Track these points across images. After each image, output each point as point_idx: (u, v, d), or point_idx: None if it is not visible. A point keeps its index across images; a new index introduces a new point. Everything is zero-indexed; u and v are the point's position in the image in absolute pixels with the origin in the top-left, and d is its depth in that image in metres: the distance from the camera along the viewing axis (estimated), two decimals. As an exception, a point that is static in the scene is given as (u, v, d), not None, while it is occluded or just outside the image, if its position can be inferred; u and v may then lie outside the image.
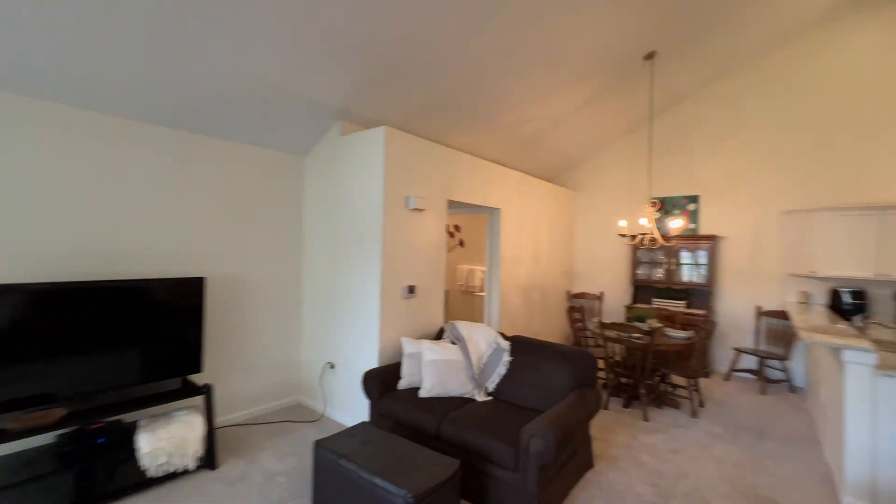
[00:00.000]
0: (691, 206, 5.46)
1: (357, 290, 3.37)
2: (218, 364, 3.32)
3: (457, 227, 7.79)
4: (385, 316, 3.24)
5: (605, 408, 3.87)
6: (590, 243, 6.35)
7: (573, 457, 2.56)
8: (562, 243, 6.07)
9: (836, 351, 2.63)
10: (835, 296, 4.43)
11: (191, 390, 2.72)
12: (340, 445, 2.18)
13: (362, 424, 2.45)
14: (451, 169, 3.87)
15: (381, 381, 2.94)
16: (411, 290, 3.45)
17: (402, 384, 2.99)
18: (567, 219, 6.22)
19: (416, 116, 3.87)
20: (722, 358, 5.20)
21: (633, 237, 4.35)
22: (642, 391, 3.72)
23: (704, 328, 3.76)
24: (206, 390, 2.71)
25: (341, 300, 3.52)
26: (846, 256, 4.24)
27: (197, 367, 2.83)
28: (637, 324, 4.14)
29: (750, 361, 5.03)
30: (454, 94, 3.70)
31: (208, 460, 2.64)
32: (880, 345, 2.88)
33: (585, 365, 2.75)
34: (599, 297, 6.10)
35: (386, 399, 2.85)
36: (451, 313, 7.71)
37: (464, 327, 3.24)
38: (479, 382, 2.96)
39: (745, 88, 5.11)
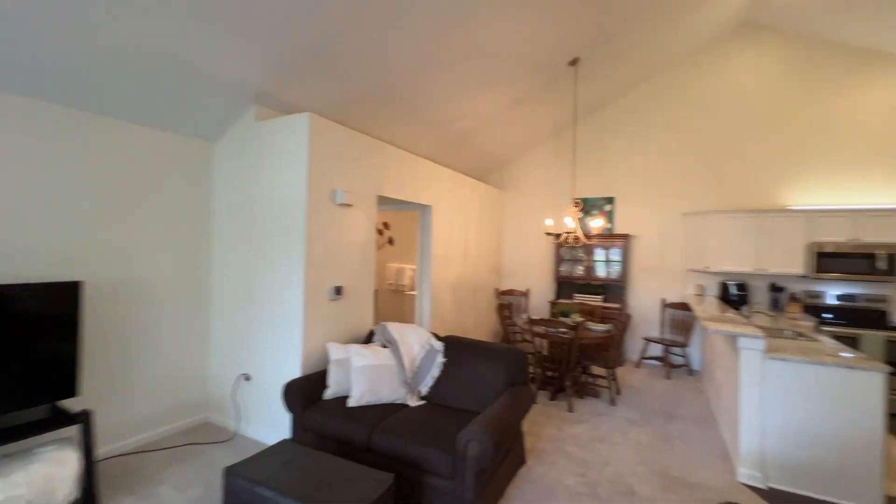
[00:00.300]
0: (608, 207, 5.86)
1: (277, 293, 3.06)
2: (102, 384, 2.80)
3: (386, 225, 7.57)
4: (309, 320, 2.98)
5: (534, 401, 3.98)
6: (517, 241, 6.54)
7: (507, 455, 2.55)
8: (491, 241, 6.16)
9: (732, 338, 2.94)
10: (724, 288, 5.02)
11: (61, 419, 2.24)
12: (256, 469, 1.92)
13: (283, 443, 2.19)
14: (381, 163, 3.69)
15: (305, 392, 2.68)
16: (338, 291, 3.21)
17: (329, 394, 2.76)
18: (496, 217, 6.33)
19: (344, 106, 3.62)
20: (633, 347, 5.65)
21: (559, 236, 4.53)
22: (567, 383, 3.87)
23: (621, 321, 4.03)
24: (82, 417, 2.24)
25: (259, 304, 3.16)
26: (732, 253, 4.82)
27: (71, 391, 2.33)
28: (563, 319, 4.31)
29: (657, 349, 5.53)
30: (383, 85, 3.52)
31: (87, 502, 2.19)
32: (764, 331, 3.29)
33: (518, 363, 2.76)
34: (526, 294, 6.30)
35: (311, 411, 2.60)
36: (381, 314, 7.49)
37: (395, 329, 3.10)
38: (412, 387, 2.83)
39: (650, 101, 5.59)
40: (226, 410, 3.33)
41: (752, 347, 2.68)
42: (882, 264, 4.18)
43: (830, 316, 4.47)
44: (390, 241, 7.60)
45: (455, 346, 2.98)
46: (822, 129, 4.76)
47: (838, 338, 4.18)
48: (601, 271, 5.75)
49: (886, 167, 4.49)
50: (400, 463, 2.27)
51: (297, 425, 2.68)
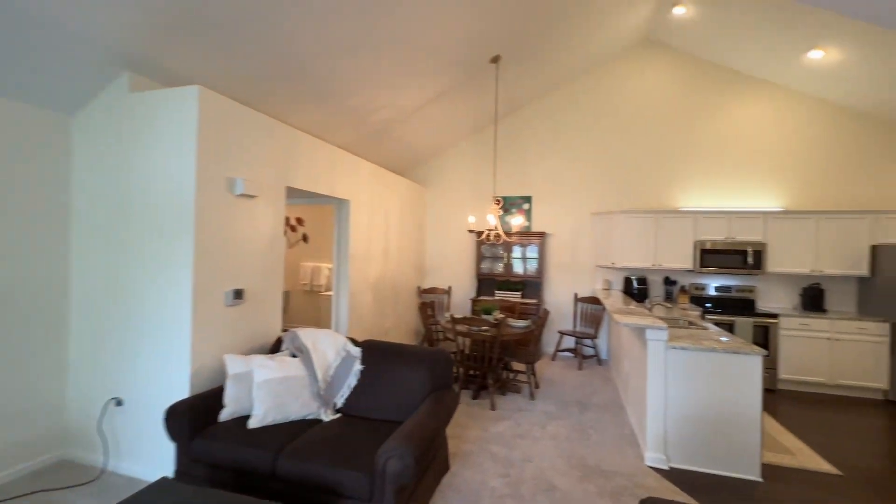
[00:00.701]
0: (526, 206, 6.03)
1: (158, 299, 2.56)
2: None
3: (299, 220, 7.02)
4: (200, 330, 2.54)
5: (457, 403, 3.90)
6: (439, 239, 6.46)
7: (431, 464, 2.41)
8: (413, 239, 6.00)
9: (640, 330, 3.12)
10: (627, 282, 5.44)
11: None
12: (121, 523, 1.53)
13: (161, 482, 1.80)
14: (292, 151, 3.32)
15: (194, 415, 2.27)
16: (238, 294, 2.80)
17: (226, 414, 2.37)
18: (418, 214, 6.18)
19: (247, 86, 3.18)
20: (549, 341, 5.90)
21: (481, 233, 4.52)
22: (490, 381, 3.86)
23: (540, 317, 4.12)
24: None
25: (134, 313, 2.63)
26: (634, 250, 5.23)
27: None
28: (484, 317, 4.30)
29: (570, 342, 5.84)
30: (292, 65, 3.16)
31: None
32: (664, 321, 3.60)
33: (442, 365, 2.64)
34: (448, 292, 6.25)
35: (201, 438, 2.20)
36: (292, 317, 6.93)
37: (308, 335, 2.78)
38: (326, 399, 2.56)
39: (565, 105, 5.86)
40: (90, 444, 2.73)
41: (657, 339, 2.86)
42: (751, 259, 4.83)
43: (710, 305, 5.07)
44: (304, 238, 7.07)
45: (374, 352, 2.77)
46: (705, 140, 5.37)
47: (718, 324, 4.75)
48: (519, 268, 5.90)
49: (755, 175, 5.21)
50: (312, 489, 2.01)
51: (183, 457, 2.26)
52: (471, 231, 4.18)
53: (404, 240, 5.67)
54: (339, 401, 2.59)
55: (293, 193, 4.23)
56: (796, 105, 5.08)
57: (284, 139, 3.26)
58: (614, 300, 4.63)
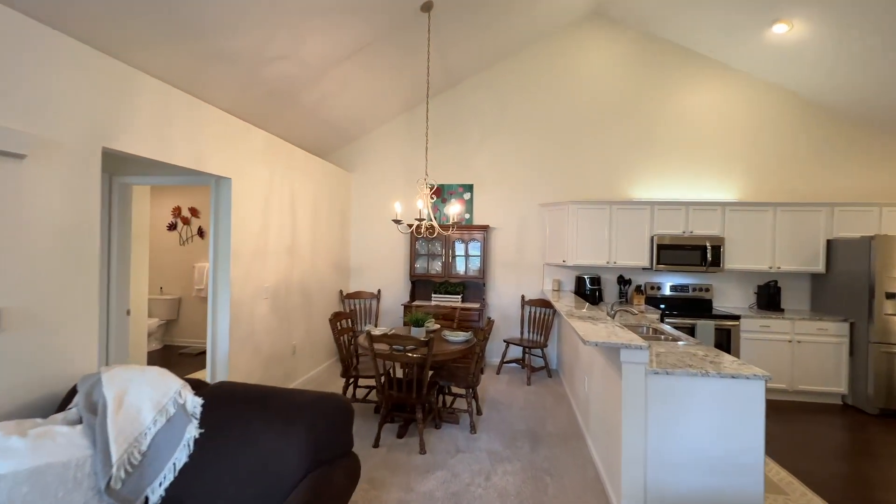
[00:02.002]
0: (467, 196, 5.23)
1: None
2: None
3: (193, 211, 5.70)
4: None
5: (377, 445, 2.98)
6: (367, 233, 5.48)
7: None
8: (334, 233, 4.96)
9: (613, 350, 2.39)
10: (579, 282, 4.83)
11: None
12: None
13: None
14: (119, 96, 2.19)
15: None
16: (-18, 319, 1.67)
17: None
18: (340, 203, 5.15)
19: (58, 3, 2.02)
20: (493, 350, 5.15)
21: (410, 225, 3.63)
22: (419, 416, 2.98)
23: (484, 329, 3.31)
24: None
25: None
26: (587, 246, 4.62)
27: None
28: (413, 330, 3.42)
29: (517, 351, 5.13)
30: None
31: None
32: (638, 335, 2.93)
33: (331, 422, 1.70)
34: (377, 297, 5.29)
35: None
36: (183, 332, 5.61)
37: (115, 381, 1.72)
38: (126, 494, 1.52)
39: (510, 80, 5.13)
40: None
41: (635, 361, 2.15)
42: (709, 256, 4.39)
43: (665, 306, 4.59)
44: (200, 233, 5.75)
45: (225, 402, 1.76)
46: (661, 126, 4.89)
47: (678, 328, 4.25)
48: (461, 267, 5.09)
49: (713, 164, 4.81)
50: None
51: None
52: (396, 222, 3.26)
53: (321, 234, 4.63)
54: (155, 493, 1.57)
55: (133, 164, 3.09)
56: (754, 92, 4.74)
57: (106, 77, 2.13)
58: (566, 302, 3.95)
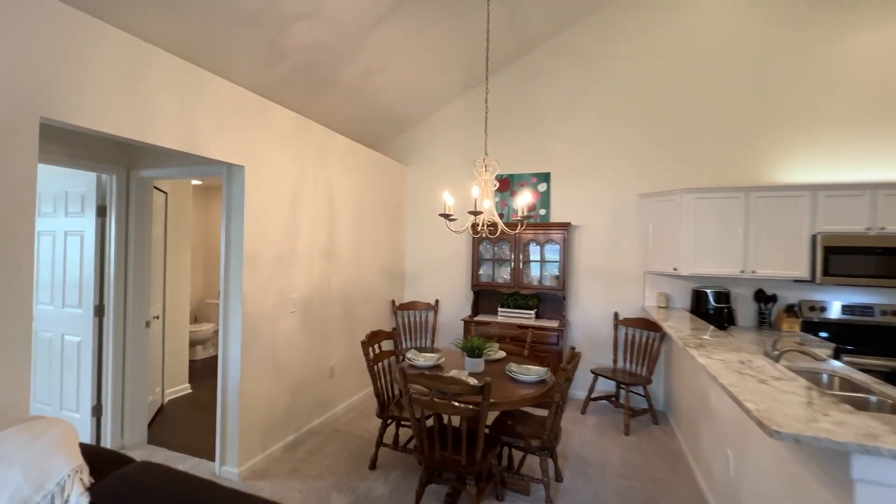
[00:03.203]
0: (542, 187, 4.25)
1: None
2: None
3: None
4: None
5: (413, 522, 2.17)
6: (424, 234, 4.74)
7: None
8: (385, 234, 4.30)
9: (836, 456, 1.30)
10: (697, 298, 3.58)
11: None
12: None
13: None
14: (70, 49, 1.66)
15: None
16: None
17: None
18: (394, 200, 4.48)
19: None
20: (577, 380, 4.09)
21: (474, 224, 2.79)
22: (472, 487, 2.11)
23: (565, 369, 2.32)
24: None
25: None
26: (710, 249, 3.39)
27: None
28: (467, 362, 2.55)
29: (608, 384, 4.01)
30: None
31: None
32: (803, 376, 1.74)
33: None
34: (434, 308, 4.52)
35: None
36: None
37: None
38: None
39: (596, 42, 4.05)
40: None
41: (883, 482, 1.06)
42: (918, 263, 2.91)
43: (827, 334, 3.18)
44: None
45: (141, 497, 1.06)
46: (820, 78, 3.46)
47: (867, 372, 2.84)
48: (534, 275, 4.11)
49: (913, 127, 3.28)
50: None
51: None
52: (445, 217, 2.43)
53: (368, 234, 3.98)
54: None
55: (163, 161, 2.62)
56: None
57: (51, 25, 1.61)
58: (681, 325, 2.82)
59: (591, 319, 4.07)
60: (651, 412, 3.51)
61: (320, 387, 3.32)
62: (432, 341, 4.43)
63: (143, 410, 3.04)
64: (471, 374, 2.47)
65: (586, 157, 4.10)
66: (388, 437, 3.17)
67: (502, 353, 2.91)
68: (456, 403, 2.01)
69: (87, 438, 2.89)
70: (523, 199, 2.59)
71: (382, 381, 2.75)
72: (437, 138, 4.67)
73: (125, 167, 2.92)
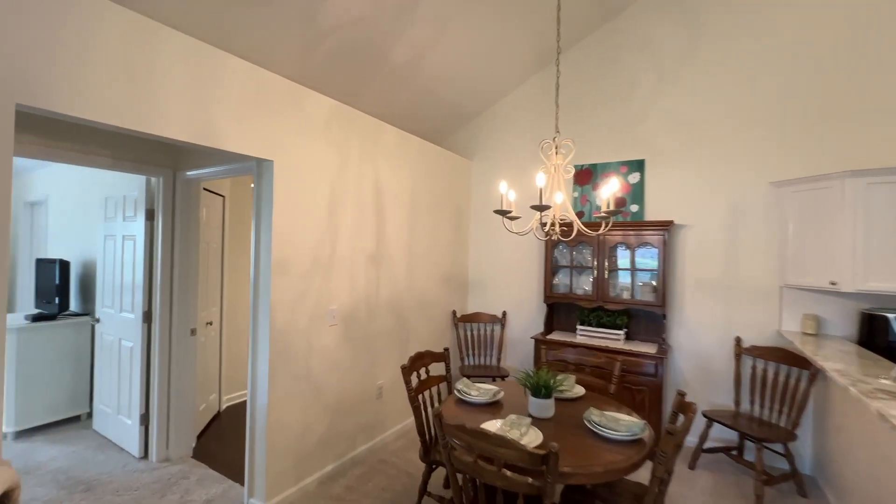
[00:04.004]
0: (633, 178, 3.45)
1: None
2: None
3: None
4: None
5: None
6: (490, 236, 4.19)
7: None
8: (445, 236, 3.83)
9: None
10: (870, 324, 2.54)
11: None
12: None
13: None
14: (59, 22, 1.44)
15: None
16: None
17: None
18: (455, 198, 4.00)
19: None
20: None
21: (544, 222, 2.19)
22: (533, 588, 1.52)
23: (673, 434, 1.60)
24: None
25: None
26: (889, 258, 2.36)
27: None
28: (532, 404, 1.95)
29: (726, 432, 3.08)
30: None
31: None
32: None
33: None
34: (501, 321, 3.94)
35: None
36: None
37: None
38: None
39: (714, -15, 3.16)
40: None
41: None
42: None
43: None
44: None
45: None
46: None
47: None
48: (623, 286, 3.33)
49: None
50: None
51: None
52: (503, 213, 1.85)
53: (424, 237, 3.54)
54: None
55: (202, 161, 2.44)
56: None
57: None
58: (844, 361, 1.93)
59: (700, 345, 3.18)
60: (796, 479, 2.55)
61: (366, 409, 2.94)
62: (498, 359, 3.86)
63: (190, 421, 2.92)
64: (535, 421, 1.87)
65: (692, 136, 3.22)
66: (436, 482, 2.67)
67: (580, 390, 2.25)
68: (509, 474, 1.44)
69: (136, 447, 2.83)
70: (609, 189, 1.93)
71: (422, 418, 2.26)
72: (506, 127, 4.08)
73: (171, 169, 2.83)
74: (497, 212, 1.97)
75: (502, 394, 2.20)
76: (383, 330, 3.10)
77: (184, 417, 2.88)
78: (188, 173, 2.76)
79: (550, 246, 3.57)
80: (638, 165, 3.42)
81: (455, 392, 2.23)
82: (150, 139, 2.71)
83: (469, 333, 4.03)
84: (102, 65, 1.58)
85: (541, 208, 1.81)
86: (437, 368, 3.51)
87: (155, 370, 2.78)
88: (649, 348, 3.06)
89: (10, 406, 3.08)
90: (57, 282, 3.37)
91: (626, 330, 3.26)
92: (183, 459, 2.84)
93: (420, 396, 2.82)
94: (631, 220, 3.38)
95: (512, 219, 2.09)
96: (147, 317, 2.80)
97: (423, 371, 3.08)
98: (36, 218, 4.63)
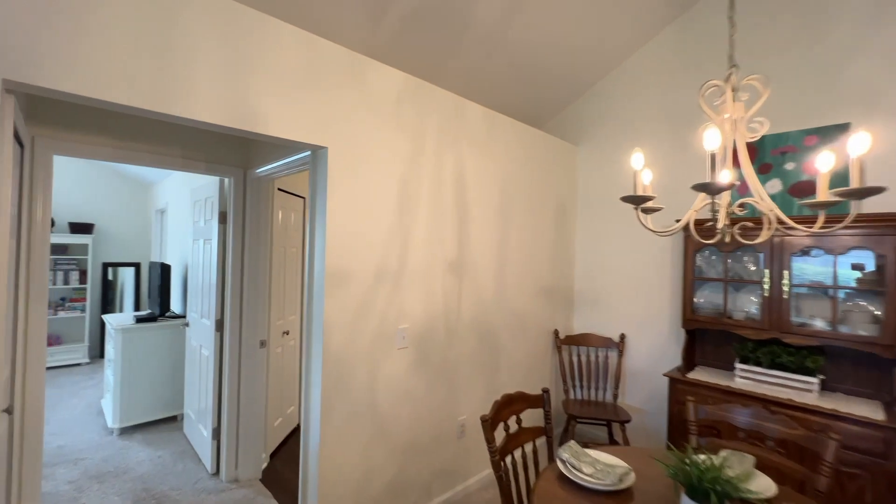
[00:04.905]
0: (826, 151, 2.34)
1: None
2: None
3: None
4: None
5: None
6: (602, 239, 3.36)
7: None
8: (545, 240, 3.13)
9: None
10: None
11: None
12: None
13: None
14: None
15: None
16: None
17: None
18: (557, 193, 3.27)
19: None
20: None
21: (714, 210, 1.40)
22: None
23: None
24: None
25: None
26: None
27: None
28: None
29: None
30: None
31: None
32: None
33: None
34: (618, 346, 3.09)
35: None
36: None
37: None
38: None
39: None
40: None
41: None
42: None
43: None
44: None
45: None
46: None
47: None
48: (814, 307, 2.26)
49: None
50: None
51: None
52: (634, 201, 1.11)
53: (520, 241, 2.89)
54: None
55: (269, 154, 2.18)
56: None
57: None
58: None
59: (969, 412, 1.97)
60: None
61: (443, 452, 2.40)
62: (614, 395, 3.01)
63: (260, 440, 2.71)
64: (698, 550, 1.11)
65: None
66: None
67: (768, 485, 1.40)
68: None
69: (209, 462, 2.70)
70: (824, 162, 1.09)
71: (517, 485, 1.61)
72: (625, 101, 3.22)
73: (242, 168, 2.64)
74: (628, 199, 1.25)
75: (632, 478, 1.45)
76: (466, 354, 2.53)
77: (253, 435, 2.67)
78: (257, 171, 2.53)
79: (692, 250, 2.63)
80: (842, 129, 2.31)
81: (558, 461, 1.55)
82: (220, 134, 2.54)
83: (575, 359, 3.26)
84: (118, 35, 1.29)
85: (712, 189, 1.05)
86: (531, 416, 2.84)
87: (225, 383, 2.61)
88: (868, 409, 1.98)
89: (115, 404, 3.23)
90: (158, 284, 3.50)
91: (820, 377, 2.20)
92: (251, 483, 2.62)
93: (508, 459, 2.19)
94: (835, 215, 2.28)
95: (650, 211, 1.35)
96: (219, 325, 2.65)
97: (513, 418, 2.42)
98: (162, 224, 5.09)
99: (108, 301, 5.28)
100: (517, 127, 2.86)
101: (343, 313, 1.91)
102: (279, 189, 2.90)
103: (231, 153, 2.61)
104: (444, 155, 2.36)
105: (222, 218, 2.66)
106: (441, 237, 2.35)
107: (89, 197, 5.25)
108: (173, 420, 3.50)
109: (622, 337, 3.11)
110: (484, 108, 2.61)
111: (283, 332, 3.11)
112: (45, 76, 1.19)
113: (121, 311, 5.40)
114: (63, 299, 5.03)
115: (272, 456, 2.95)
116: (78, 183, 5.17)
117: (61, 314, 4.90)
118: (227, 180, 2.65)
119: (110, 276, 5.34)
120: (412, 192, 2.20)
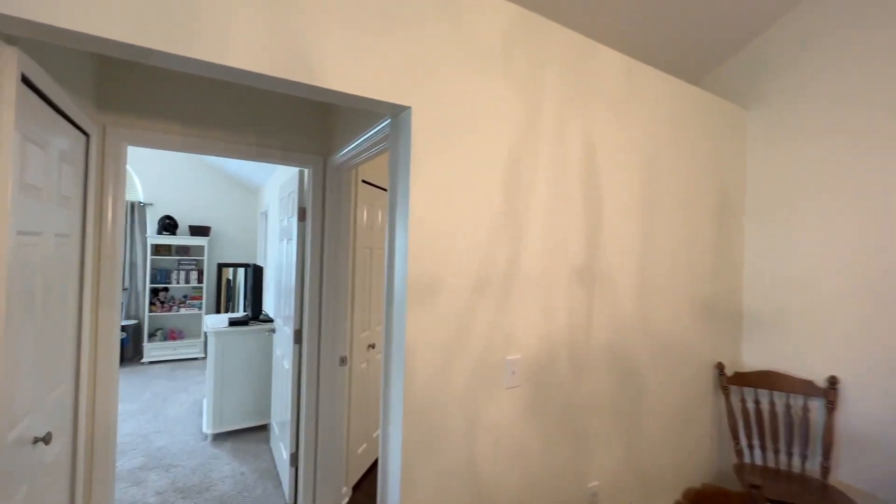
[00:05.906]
0: None
1: None
2: None
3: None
4: None
5: None
6: (787, 236, 2.35)
7: None
8: (703, 238, 2.27)
9: None
10: None
11: None
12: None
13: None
14: None
15: None
16: None
17: None
18: (720, 173, 2.37)
19: None
20: None
21: None
22: None
23: None
24: None
25: None
26: None
27: None
28: None
29: None
30: None
31: None
32: None
33: None
34: (825, 395, 2.09)
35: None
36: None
37: None
38: None
39: None
40: None
41: None
42: None
43: None
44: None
45: None
46: None
47: None
48: None
49: None
50: None
51: None
52: None
53: (669, 239, 2.09)
54: None
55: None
56: None
57: None
58: None
59: None
60: None
61: (567, 531, 1.74)
62: (823, 466, 2.03)
63: (339, 471, 2.33)
64: None
65: None
66: None
67: None
68: None
69: (287, 490, 2.40)
70: None
71: None
72: (818, 42, 2.20)
73: (321, 156, 2.29)
74: None
75: None
76: (599, 395, 1.83)
77: (333, 465, 2.30)
78: (337, 156, 2.15)
79: None
80: None
81: None
82: (296, 117, 2.22)
83: (752, 406, 2.32)
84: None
85: None
86: None
87: (304, 404, 2.28)
88: None
89: (209, 409, 3.17)
90: (252, 286, 3.40)
91: None
92: (328, 522, 2.24)
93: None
94: None
95: None
96: (297, 336, 2.34)
97: None
98: (266, 227, 5.21)
99: (222, 300, 5.60)
100: (669, 83, 2.07)
101: (431, 337, 1.38)
102: (363, 181, 2.52)
103: (308, 139, 2.28)
104: (568, 122, 1.71)
105: (301, 214, 2.35)
106: (564, 236, 1.70)
107: (206, 201, 5.63)
108: (263, 429, 3.36)
109: (833, 381, 2.10)
110: (621, 54, 1.89)
111: (369, 346, 2.72)
112: (27, 8, 0.84)
113: (235, 310, 5.69)
114: (185, 297, 5.43)
115: (355, 488, 2.57)
116: (195, 187, 5.56)
117: (183, 311, 5.28)
118: (306, 171, 2.33)
119: (227, 276, 5.65)
120: (524, 173, 1.59)
